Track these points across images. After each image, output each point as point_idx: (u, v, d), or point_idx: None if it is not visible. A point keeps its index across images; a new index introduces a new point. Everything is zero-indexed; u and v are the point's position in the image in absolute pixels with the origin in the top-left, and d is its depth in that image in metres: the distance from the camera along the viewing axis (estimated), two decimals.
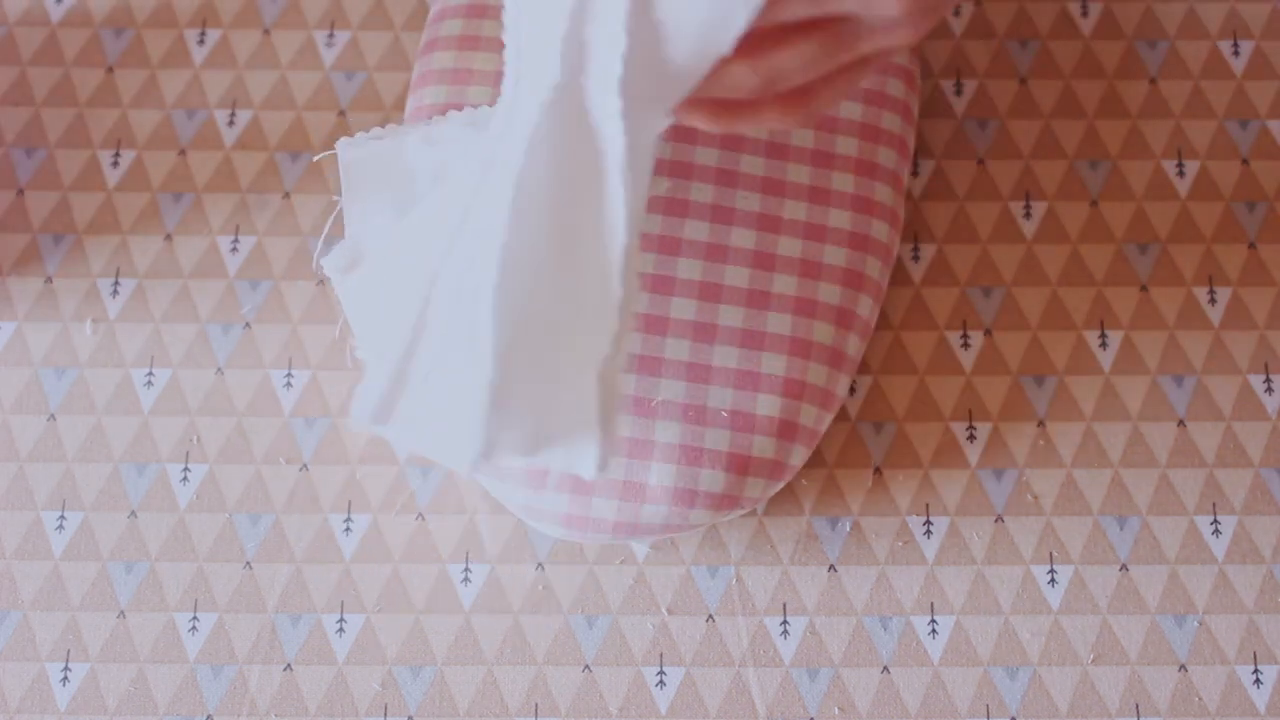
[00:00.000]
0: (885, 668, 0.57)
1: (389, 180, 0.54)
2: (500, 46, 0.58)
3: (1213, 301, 0.62)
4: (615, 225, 0.45)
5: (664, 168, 0.59)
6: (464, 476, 0.47)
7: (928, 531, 0.59)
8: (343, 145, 0.55)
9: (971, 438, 0.60)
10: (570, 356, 0.46)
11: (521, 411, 0.46)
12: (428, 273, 0.47)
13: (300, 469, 0.60)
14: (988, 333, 0.62)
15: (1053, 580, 0.58)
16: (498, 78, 0.60)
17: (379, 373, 0.47)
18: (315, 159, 0.64)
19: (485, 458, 0.46)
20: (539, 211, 0.45)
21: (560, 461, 0.47)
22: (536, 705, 0.57)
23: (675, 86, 0.45)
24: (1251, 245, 0.63)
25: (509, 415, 0.46)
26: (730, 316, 0.57)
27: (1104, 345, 0.62)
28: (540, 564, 0.59)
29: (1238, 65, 0.66)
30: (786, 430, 0.57)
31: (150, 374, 0.62)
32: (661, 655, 0.57)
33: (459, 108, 0.60)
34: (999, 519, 0.59)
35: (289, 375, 0.62)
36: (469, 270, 0.46)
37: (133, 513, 0.60)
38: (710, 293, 0.58)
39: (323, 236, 0.62)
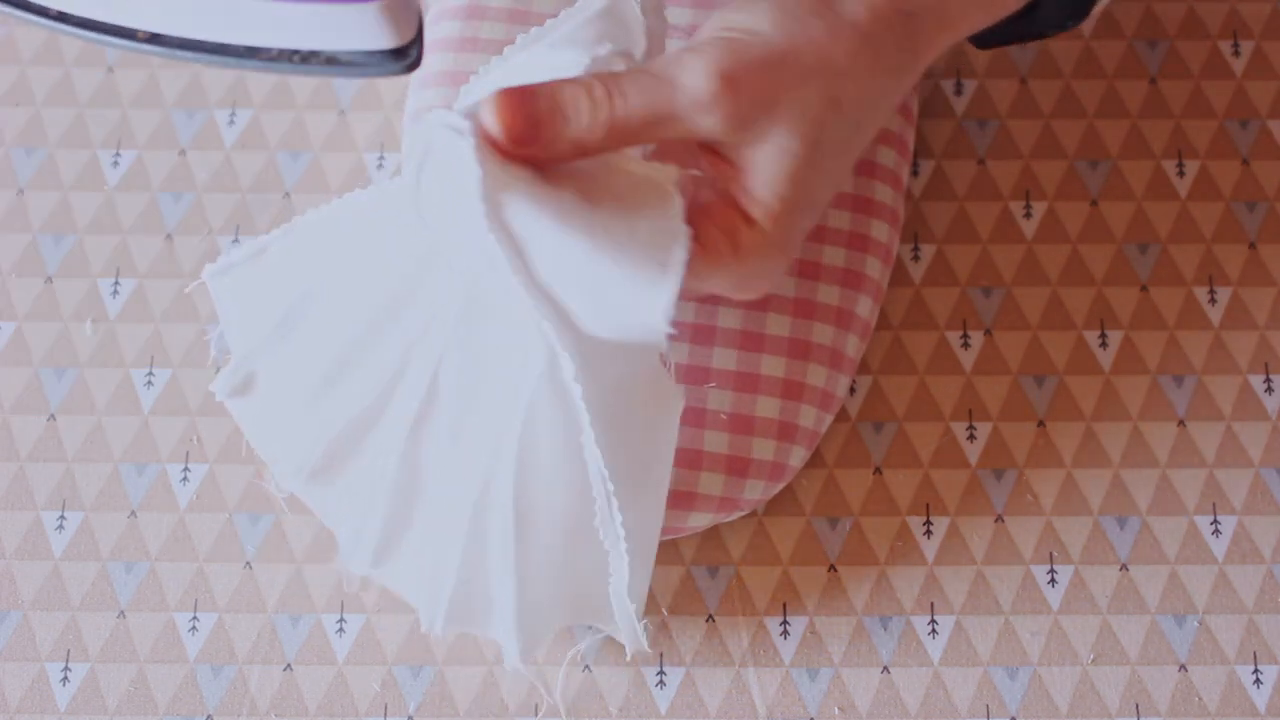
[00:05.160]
0: (885, 668, 0.57)
1: (261, 295, 0.56)
2: (498, 49, 0.58)
3: (1213, 301, 0.62)
4: (598, 478, 0.48)
5: None
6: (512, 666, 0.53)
7: (928, 531, 0.59)
8: (209, 272, 0.56)
9: (971, 438, 0.60)
10: (591, 576, 0.52)
11: (549, 607, 0.53)
12: (386, 441, 0.52)
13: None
14: (988, 333, 0.62)
15: (1053, 580, 0.58)
16: None
17: (365, 525, 0.53)
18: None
19: (528, 654, 0.53)
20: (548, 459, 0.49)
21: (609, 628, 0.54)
22: (536, 705, 0.57)
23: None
24: (1251, 245, 0.63)
25: (538, 617, 0.52)
26: (729, 318, 0.57)
27: (1104, 345, 0.62)
28: None
29: (1238, 65, 0.66)
30: (786, 431, 0.57)
31: (150, 374, 0.62)
32: (661, 655, 0.57)
33: None
34: (999, 519, 0.59)
35: None
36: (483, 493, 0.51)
37: (133, 513, 0.60)
38: (709, 294, 0.57)
39: (211, 356, 0.62)
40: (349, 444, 0.54)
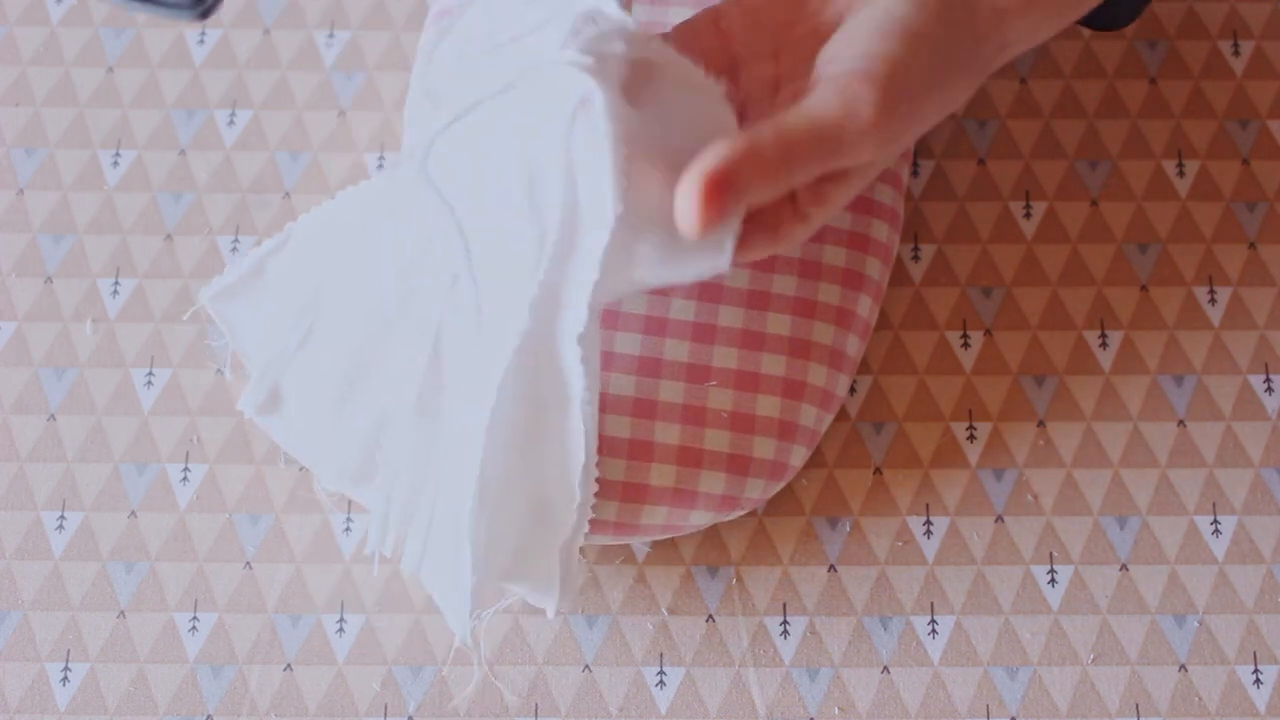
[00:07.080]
0: (885, 668, 0.57)
1: (268, 307, 0.56)
2: None
3: (1213, 301, 0.62)
4: (578, 444, 0.51)
5: None
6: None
7: (928, 531, 0.59)
8: (206, 295, 0.56)
9: (971, 438, 0.60)
10: (540, 522, 0.52)
11: (500, 543, 0.52)
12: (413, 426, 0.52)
13: (300, 469, 0.60)
14: (988, 333, 0.62)
15: (1053, 580, 0.58)
16: None
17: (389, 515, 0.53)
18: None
19: (478, 574, 0.51)
20: (514, 417, 0.51)
21: (527, 595, 0.53)
22: (536, 705, 0.57)
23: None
24: (1251, 245, 0.63)
25: (492, 541, 0.51)
26: (730, 317, 0.57)
27: (1104, 345, 0.62)
28: None
29: (1238, 65, 0.66)
30: (786, 430, 0.57)
31: (150, 374, 0.62)
32: (661, 655, 0.57)
33: None
34: (999, 519, 0.59)
35: None
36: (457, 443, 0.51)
37: (133, 513, 0.60)
38: (710, 293, 0.58)
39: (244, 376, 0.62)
40: (378, 440, 0.53)
